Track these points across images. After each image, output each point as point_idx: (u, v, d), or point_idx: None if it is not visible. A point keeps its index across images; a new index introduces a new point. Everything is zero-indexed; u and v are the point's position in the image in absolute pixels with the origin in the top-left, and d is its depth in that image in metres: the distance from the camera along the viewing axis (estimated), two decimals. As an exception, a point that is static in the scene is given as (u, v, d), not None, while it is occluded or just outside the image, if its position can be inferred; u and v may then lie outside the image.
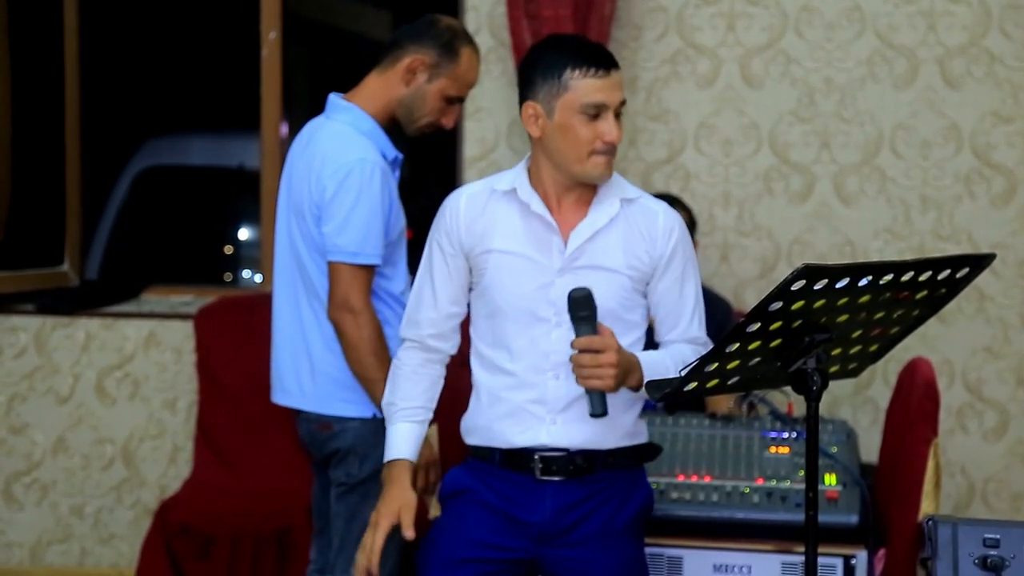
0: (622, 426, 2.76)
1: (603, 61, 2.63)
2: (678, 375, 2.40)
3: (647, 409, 3.29)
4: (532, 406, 2.72)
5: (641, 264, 2.72)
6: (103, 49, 5.85)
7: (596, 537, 2.74)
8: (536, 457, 2.72)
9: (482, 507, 2.76)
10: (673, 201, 3.99)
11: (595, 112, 2.60)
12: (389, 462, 2.75)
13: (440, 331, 2.79)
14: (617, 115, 2.65)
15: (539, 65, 2.65)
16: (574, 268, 2.69)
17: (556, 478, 2.72)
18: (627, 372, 2.58)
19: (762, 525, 3.18)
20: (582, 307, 2.54)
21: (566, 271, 2.68)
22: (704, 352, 2.51)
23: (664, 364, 2.66)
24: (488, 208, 2.73)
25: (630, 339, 2.73)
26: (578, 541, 2.73)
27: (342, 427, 3.16)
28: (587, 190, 2.73)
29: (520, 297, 2.69)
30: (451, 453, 3.29)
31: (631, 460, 2.80)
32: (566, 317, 2.63)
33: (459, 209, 2.74)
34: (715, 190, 4.45)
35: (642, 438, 2.82)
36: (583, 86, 2.60)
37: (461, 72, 3.19)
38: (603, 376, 2.54)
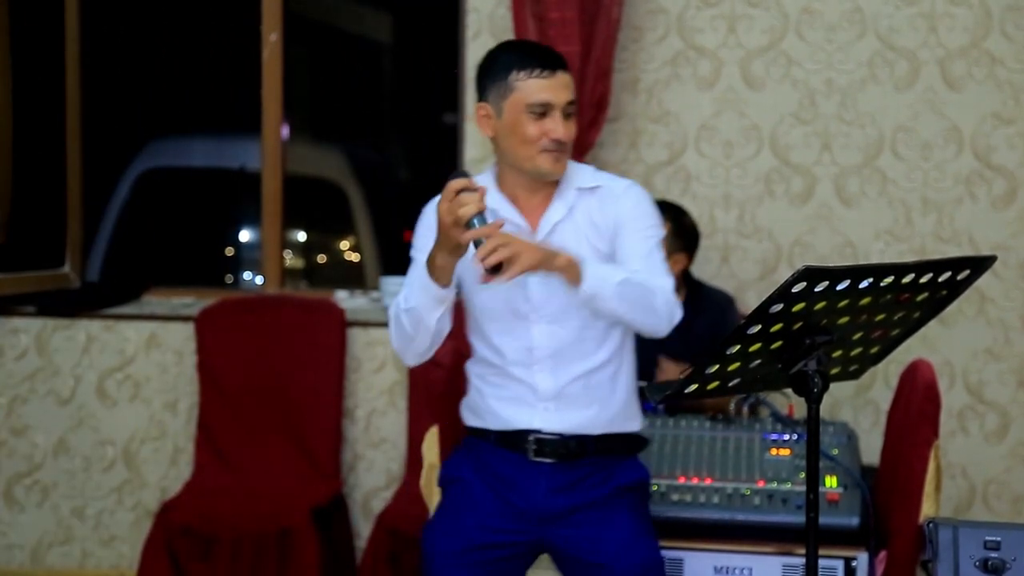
0: (612, 407, 2.84)
1: (548, 62, 2.72)
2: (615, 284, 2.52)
3: (647, 411, 3.29)
4: (524, 395, 2.82)
5: (605, 246, 2.79)
6: (104, 50, 5.85)
7: (597, 512, 2.80)
8: (531, 438, 2.81)
9: (481, 492, 2.83)
10: (675, 209, 3.98)
11: (541, 111, 2.69)
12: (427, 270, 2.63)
13: None
14: (568, 115, 2.72)
15: (488, 69, 2.76)
16: None
17: (548, 460, 2.80)
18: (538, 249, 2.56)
19: (763, 527, 3.18)
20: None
21: None
22: (647, 278, 2.62)
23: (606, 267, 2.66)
24: None
25: (603, 323, 2.80)
26: (582, 521, 2.80)
27: None
28: (550, 187, 2.81)
29: (495, 298, 2.78)
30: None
31: (622, 448, 2.88)
32: (546, 312, 2.72)
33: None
34: (716, 192, 4.45)
35: (635, 425, 2.90)
36: (528, 86, 2.70)
37: None
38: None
